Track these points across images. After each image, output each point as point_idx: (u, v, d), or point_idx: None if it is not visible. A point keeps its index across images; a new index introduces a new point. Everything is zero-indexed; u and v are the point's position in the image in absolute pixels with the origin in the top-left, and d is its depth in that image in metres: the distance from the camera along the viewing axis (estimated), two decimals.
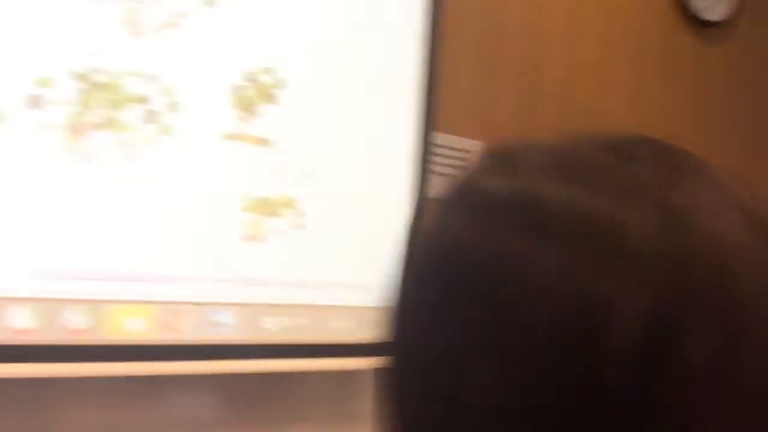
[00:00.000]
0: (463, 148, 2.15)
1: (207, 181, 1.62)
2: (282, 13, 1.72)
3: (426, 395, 0.43)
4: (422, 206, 1.92)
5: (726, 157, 2.30)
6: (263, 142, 1.67)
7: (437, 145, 2.01)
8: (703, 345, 0.35)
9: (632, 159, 0.41)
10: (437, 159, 2.03)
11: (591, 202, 0.38)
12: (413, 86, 1.92)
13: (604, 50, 2.47)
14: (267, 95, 1.69)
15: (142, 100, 1.57)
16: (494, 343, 0.39)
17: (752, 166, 2.82)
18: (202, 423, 1.80)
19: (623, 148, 0.42)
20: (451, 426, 0.41)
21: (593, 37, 2.45)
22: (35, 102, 1.45)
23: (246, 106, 1.66)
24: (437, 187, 2.04)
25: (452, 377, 0.41)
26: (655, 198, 0.38)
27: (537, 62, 2.34)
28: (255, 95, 1.67)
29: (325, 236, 1.78)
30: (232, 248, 1.64)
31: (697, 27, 2.68)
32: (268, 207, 1.67)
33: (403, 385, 0.45)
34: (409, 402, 0.45)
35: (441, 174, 2.08)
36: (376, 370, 0.47)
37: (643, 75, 2.57)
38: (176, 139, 1.60)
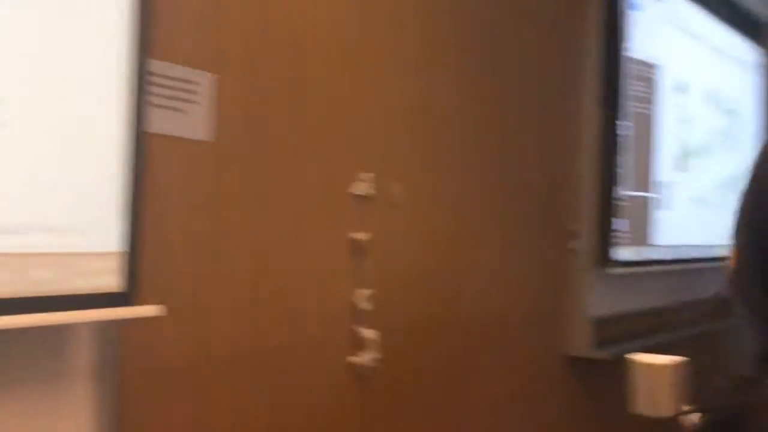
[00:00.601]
0: (185, 78, 1.99)
1: None
2: None
3: None
4: (141, 141, 1.73)
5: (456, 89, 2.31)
6: None
7: (154, 74, 1.83)
8: None
9: None
10: (154, 89, 1.85)
11: None
12: (124, 6, 1.71)
13: None
14: None
15: None
16: None
17: (479, 100, 2.97)
18: None
19: None
20: None
21: None
22: None
23: None
24: (156, 120, 1.87)
25: None
26: None
27: None
28: None
29: (19, 172, 1.53)
30: None
31: None
32: None
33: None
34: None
35: (159, 106, 1.90)
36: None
37: (370, 5, 2.57)
38: None
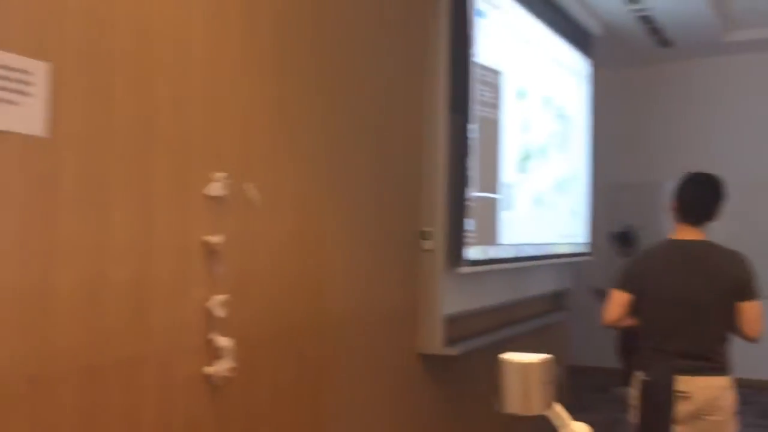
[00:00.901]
0: (18, 67, 1.78)
1: None
2: None
3: None
4: None
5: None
6: None
7: None
8: None
9: None
10: None
11: None
12: None
13: None
14: None
15: None
16: None
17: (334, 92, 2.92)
18: None
19: None
20: None
21: None
22: None
23: None
24: None
25: None
26: None
27: None
28: None
29: None
30: None
31: None
32: None
33: None
34: None
35: None
36: None
37: (223, 2, 2.46)
38: None
